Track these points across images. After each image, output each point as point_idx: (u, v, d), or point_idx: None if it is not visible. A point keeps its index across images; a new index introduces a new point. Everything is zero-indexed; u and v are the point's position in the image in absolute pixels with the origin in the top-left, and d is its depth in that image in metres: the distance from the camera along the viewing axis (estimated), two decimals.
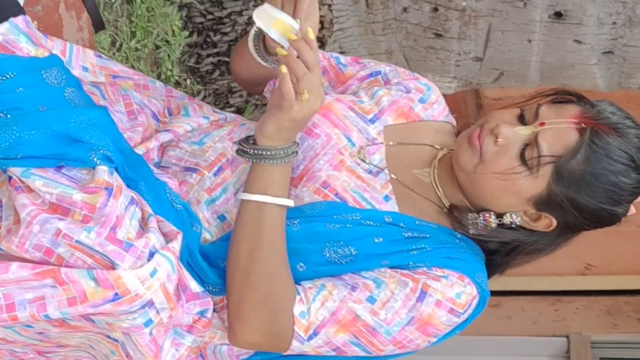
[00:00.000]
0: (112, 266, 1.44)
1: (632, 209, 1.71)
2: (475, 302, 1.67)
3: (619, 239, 4.50)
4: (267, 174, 1.63)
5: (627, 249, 4.74)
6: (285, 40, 1.60)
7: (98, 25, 2.22)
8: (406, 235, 1.67)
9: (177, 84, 2.79)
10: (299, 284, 1.63)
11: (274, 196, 1.62)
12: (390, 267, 1.65)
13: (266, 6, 1.62)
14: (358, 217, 1.67)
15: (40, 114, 1.51)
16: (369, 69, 1.92)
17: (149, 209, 1.56)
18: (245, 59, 1.81)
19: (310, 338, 1.61)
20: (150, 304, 1.46)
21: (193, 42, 2.82)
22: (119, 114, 1.78)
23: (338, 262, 1.64)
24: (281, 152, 1.62)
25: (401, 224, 1.68)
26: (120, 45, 2.49)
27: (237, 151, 1.67)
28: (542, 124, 1.64)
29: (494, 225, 1.70)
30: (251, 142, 1.65)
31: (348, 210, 1.67)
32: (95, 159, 1.51)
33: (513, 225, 1.70)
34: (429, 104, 1.86)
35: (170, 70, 2.71)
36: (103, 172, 1.50)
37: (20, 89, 1.52)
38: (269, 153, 1.62)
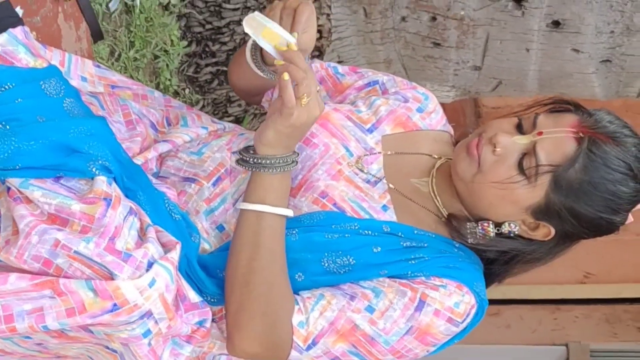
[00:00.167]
0: (111, 277, 1.43)
1: (630, 218, 1.71)
2: (473, 311, 1.67)
3: (618, 248, 4.50)
4: (266, 183, 1.63)
5: (626, 257, 4.73)
6: (272, 49, 1.61)
7: (97, 35, 2.23)
8: (404, 244, 1.67)
9: (176, 94, 2.79)
10: (298, 294, 1.63)
11: (272, 206, 1.62)
12: (388, 277, 1.65)
13: (257, 14, 1.62)
14: (356, 227, 1.67)
15: (39, 124, 1.51)
16: (367, 78, 1.92)
17: (147, 219, 1.56)
18: (242, 69, 1.81)
19: (309, 348, 1.61)
20: (149, 314, 1.46)
21: (192, 52, 2.83)
22: (117, 124, 1.78)
23: (336, 271, 1.64)
24: (280, 161, 1.62)
25: (399, 234, 1.68)
26: (119, 55, 2.49)
27: (238, 161, 1.67)
28: (540, 133, 1.65)
29: (492, 234, 1.70)
30: (251, 151, 1.65)
31: (346, 220, 1.67)
32: (93, 170, 1.51)
33: (511, 235, 1.70)
34: (426, 113, 1.86)
35: (169, 79, 2.71)
36: (102, 183, 1.50)
37: (19, 99, 1.52)
38: (268, 162, 1.62)
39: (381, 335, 1.62)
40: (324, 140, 1.74)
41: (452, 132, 1.91)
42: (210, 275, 1.65)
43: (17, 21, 1.60)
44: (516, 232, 1.70)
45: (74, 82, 1.83)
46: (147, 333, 1.48)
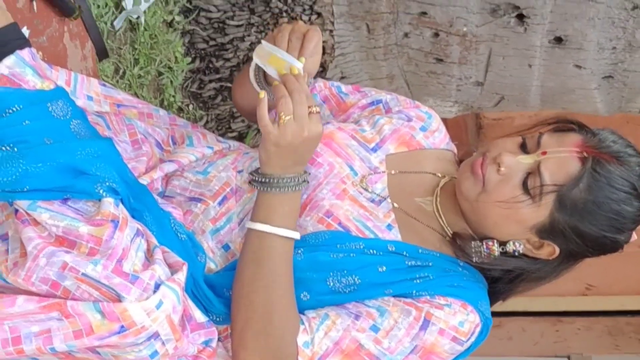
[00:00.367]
0: (118, 299, 1.44)
1: (634, 236, 1.72)
2: (478, 330, 1.67)
3: (620, 260, 4.46)
4: (270, 203, 1.64)
5: (628, 269, 4.73)
6: (275, 72, 1.66)
7: (102, 53, 2.24)
8: (409, 263, 1.68)
9: (180, 110, 2.80)
10: (303, 314, 1.63)
11: (275, 226, 1.62)
12: (393, 296, 1.65)
13: (264, 43, 1.67)
14: (361, 246, 1.67)
15: (46, 146, 1.51)
16: (370, 97, 1.93)
17: (154, 240, 1.57)
18: (245, 88, 1.83)
19: None
20: (156, 335, 1.47)
21: (195, 68, 2.83)
22: (123, 144, 1.79)
23: (342, 291, 1.64)
24: (285, 181, 1.63)
25: (404, 253, 1.69)
26: (124, 72, 2.50)
27: (250, 181, 1.67)
28: (544, 152, 1.65)
29: (497, 253, 1.71)
30: (259, 171, 1.66)
31: (351, 240, 1.68)
32: (101, 191, 1.51)
33: (516, 253, 1.71)
34: (430, 132, 1.87)
35: (173, 96, 2.71)
36: (109, 204, 1.50)
37: (27, 122, 1.52)
38: (271, 181, 1.63)
39: (386, 355, 1.62)
40: (329, 159, 1.75)
41: (455, 150, 1.91)
42: (218, 294, 1.66)
43: (24, 43, 1.61)
44: (521, 251, 1.70)
45: (80, 101, 1.84)
46: (154, 354, 1.49)
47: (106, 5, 2.38)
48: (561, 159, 1.64)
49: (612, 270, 4.74)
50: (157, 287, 1.47)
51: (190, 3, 2.79)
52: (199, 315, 1.60)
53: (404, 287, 1.66)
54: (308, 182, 1.67)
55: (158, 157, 1.84)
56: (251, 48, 2.80)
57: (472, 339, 1.67)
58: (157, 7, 2.60)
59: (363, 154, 1.79)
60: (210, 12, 2.80)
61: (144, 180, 1.73)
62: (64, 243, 1.47)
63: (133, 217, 1.57)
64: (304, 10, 2.80)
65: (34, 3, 1.97)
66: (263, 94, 1.59)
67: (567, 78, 2.71)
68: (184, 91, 2.82)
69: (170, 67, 2.69)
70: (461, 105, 2.92)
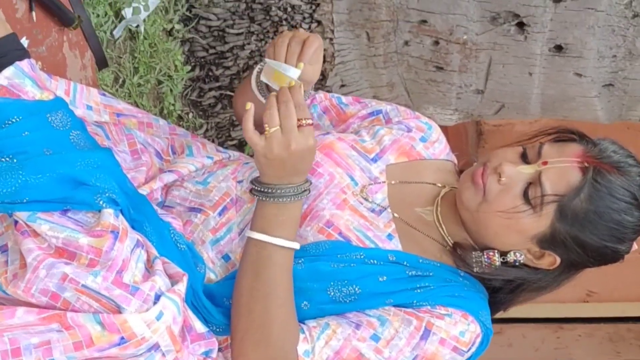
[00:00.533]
0: (119, 310, 1.44)
1: (635, 246, 1.72)
2: (478, 340, 1.67)
3: (621, 266, 4.45)
4: (268, 213, 1.63)
5: (629, 276, 4.72)
6: (277, 86, 1.67)
7: (101, 63, 2.24)
8: (410, 273, 1.68)
9: (180, 118, 2.79)
10: (304, 323, 1.63)
11: (273, 236, 1.61)
12: (394, 306, 1.65)
13: (267, 60, 1.68)
14: (362, 256, 1.67)
15: (46, 157, 1.51)
16: (370, 107, 1.93)
17: (154, 251, 1.56)
18: (247, 97, 1.82)
19: None
20: (156, 346, 1.47)
21: (195, 76, 2.83)
22: (122, 154, 1.79)
23: (342, 300, 1.64)
24: (278, 192, 1.62)
25: (405, 263, 1.69)
26: (123, 81, 2.49)
27: (250, 190, 1.67)
28: (545, 163, 1.65)
29: (497, 263, 1.71)
30: (259, 180, 1.66)
31: (352, 249, 1.68)
32: (101, 202, 1.51)
33: (517, 263, 1.71)
34: (430, 142, 1.87)
35: (173, 104, 2.71)
36: (109, 215, 1.50)
37: (26, 132, 1.52)
38: (269, 190, 1.62)
39: None
40: (329, 169, 1.75)
41: (455, 161, 1.92)
42: (217, 304, 1.66)
43: (23, 53, 1.61)
44: (521, 261, 1.71)
45: (80, 111, 1.84)
46: None
47: (106, 15, 2.38)
48: (562, 169, 1.64)
49: (613, 277, 4.73)
50: (157, 298, 1.47)
51: (190, 11, 2.79)
52: (199, 326, 1.59)
53: (405, 297, 1.66)
54: (309, 191, 1.66)
55: (158, 167, 1.84)
56: (251, 56, 2.80)
57: (473, 349, 1.67)
58: (157, 15, 2.60)
59: (363, 164, 1.79)
60: (210, 20, 2.79)
61: (144, 191, 1.73)
62: (63, 254, 1.46)
63: (133, 227, 1.57)
64: (304, 18, 2.80)
65: (33, 13, 1.97)
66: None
67: (568, 86, 2.71)
68: (183, 99, 2.82)
69: (170, 76, 2.69)
70: (461, 113, 2.92)
